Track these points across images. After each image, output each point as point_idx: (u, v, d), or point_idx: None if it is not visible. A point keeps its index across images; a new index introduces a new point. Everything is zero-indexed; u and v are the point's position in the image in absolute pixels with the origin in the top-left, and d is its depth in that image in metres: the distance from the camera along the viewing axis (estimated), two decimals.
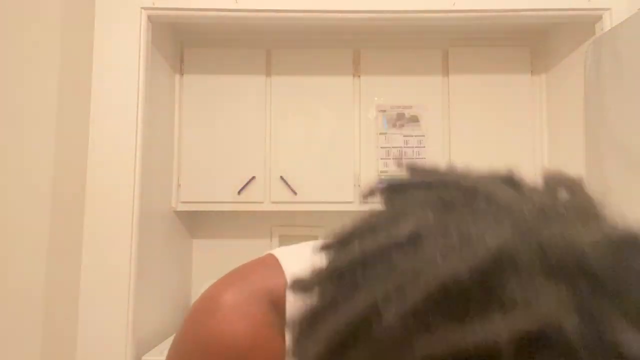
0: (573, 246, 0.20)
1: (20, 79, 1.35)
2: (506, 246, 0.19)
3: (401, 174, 0.27)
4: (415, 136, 1.92)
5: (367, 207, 0.25)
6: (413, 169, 0.27)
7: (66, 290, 1.40)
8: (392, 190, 0.26)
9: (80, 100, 1.48)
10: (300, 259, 0.36)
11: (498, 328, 0.17)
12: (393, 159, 1.90)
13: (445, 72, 1.95)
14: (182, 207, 1.88)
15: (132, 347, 1.43)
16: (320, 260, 0.24)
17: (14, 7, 1.38)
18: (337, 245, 0.24)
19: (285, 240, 2.07)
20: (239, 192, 1.85)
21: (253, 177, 1.86)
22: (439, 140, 1.91)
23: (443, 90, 1.94)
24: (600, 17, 1.55)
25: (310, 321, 0.22)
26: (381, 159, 1.90)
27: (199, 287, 1.98)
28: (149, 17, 1.54)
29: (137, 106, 1.50)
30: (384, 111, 1.93)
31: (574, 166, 1.70)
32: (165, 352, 0.43)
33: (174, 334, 0.41)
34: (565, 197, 0.25)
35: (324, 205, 1.86)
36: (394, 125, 1.92)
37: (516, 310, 0.18)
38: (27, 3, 1.39)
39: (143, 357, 1.49)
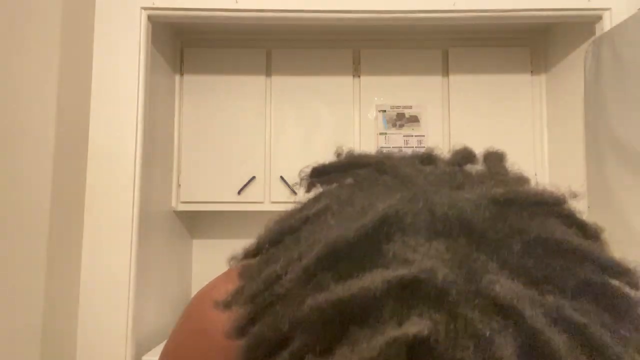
0: (456, 206, 0.21)
1: (20, 79, 1.35)
2: (392, 209, 0.21)
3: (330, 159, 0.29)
4: (415, 136, 1.92)
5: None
6: (339, 154, 0.30)
7: (66, 290, 1.40)
8: (315, 174, 0.29)
9: (80, 100, 1.48)
10: None
11: (375, 279, 0.18)
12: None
13: (445, 72, 1.95)
14: (182, 207, 1.88)
15: (132, 347, 1.43)
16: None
17: (14, 7, 1.38)
18: (269, 227, 0.26)
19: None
20: (239, 192, 1.85)
21: (253, 177, 1.86)
22: (439, 140, 1.91)
23: (443, 90, 1.94)
24: (600, 17, 1.55)
25: (234, 296, 0.24)
26: None
27: (199, 287, 1.97)
28: (149, 17, 1.54)
29: (137, 106, 1.50)
30: (384, 111, 1.93)
31: (574, 166, 1.70)
32: None
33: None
34: (475, 168, 0.27)
35: None
36: (394, 125, 1.92)
37: (394, 263, 0.19)
38: (27, 3, 1.39)
39: (143, 357, 1.49)
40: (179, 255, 1.97)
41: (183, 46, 1.96)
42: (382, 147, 1.90)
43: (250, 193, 1.86)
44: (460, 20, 1.58)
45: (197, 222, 2.09)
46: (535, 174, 1.91)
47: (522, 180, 0.27)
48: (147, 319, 1.58)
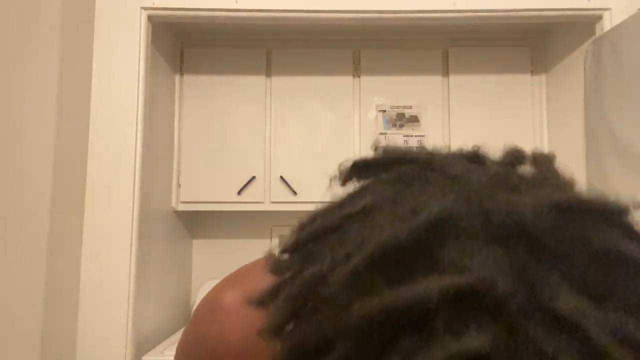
0: (515, 211, 0.20)
1: (20, 79, 1.35)
2: (447, 212, 0.20)
3: (370, 154, 0.27)
4: (415, 136, 1.92)
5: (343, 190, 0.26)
6: (379, 149, 0.28)
7: (66, 290, 1.40)
8: (356, 169, 0.27)
9: (80, 100, 1.48)
10: None
11: (430, 287, 0.18)
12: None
13: (445, 72, 1.95)
14: (182, 207, 1.88)
15: (132, 347, 1.43)
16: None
17: (14, 7, 1.38)
18: (304, 223, 0.25)
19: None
20: (239, 192, 1.85)
21: (253, 177, 1.86)
22: (439, 140, 1.91)
23: (443, 90, 1.94)
24: (600, 17, 1.55)
25: (270, 294, 0.22)
26: None
27: (199, 287, 1.97)
28: (149, 17, 1.54)
29: (137, 106, 1.50)
30: (384, 111, 1.93)
31: (574, 166, 1.70)
32: (166, 352, 0.44)
33: (179, 334, 0.42)
34: (526, 170, 0.25)
35: None
36: (394, 125, 1.92)
37: (450, 270, 0.18)
38: (27, 3, 1.39)
39: (143, 357, 1.49)
40: (179, 255, 1.97)
41: (183, 46, 1.96)
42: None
43: (250, 193, 1.86)
44: (460, 20, 1.58)
45: (197, 222, 2.09)
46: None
47: (574, 184, 0.25)
48: (147, 319, 1.58)
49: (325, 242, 0.22)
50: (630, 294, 0.19)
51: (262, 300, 0.22)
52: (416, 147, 0.27)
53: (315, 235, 0.23)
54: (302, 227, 0.24)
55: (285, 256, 0.24)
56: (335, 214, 0.23)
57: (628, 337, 0.17)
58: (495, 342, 0.17)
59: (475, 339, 0.16)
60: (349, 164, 0.27)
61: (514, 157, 0.27)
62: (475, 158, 0.27)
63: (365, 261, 0.19)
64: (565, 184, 0.25)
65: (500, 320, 0.17)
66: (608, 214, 0.21)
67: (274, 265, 0.24)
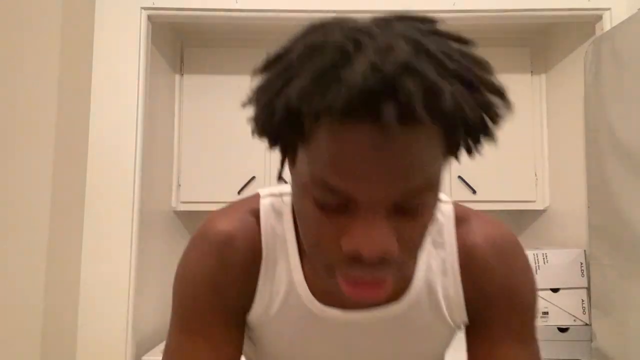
0: (358, 22, 0.39)
1: (20, 78, 1.35)
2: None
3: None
4: None
5: None
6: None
7: (66, 290, 1.40)
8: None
9: (80, 100, 1.48)
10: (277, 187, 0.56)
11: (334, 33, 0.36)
12: None
13: None
14: (182, 207, 1.88)
15: (132, 347, 1.43)
16: None
17: (14, 7, 1.38)
18: (269, 58, 0.41)
19: None
20: (239, 192, 1.85)
21: (253, 177, 1.86)
22: None
23: None
24: (600, 17, 1.55)
25: (258, 90, 0.39)
26: None
27: None
28: (149, 17, 1.54)
29: (137, 106, 1.50)
30: None
31: (574, 166, 1.70)
32: None
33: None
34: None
35: None
36: None
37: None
38: (27, 3, 1.39)
39: (143, 357, 1.49)
40: (179, 255, 1.96)
41: (183, 46, 1.96)
42: None
43: (250, 193, 1.86)
44: (460, 20, 1.57)
45: (197, 222, 2.09)
46: (535, 174, 1.91)
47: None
48: (147, 319, 1.58)
49: (275, 65, 0.39)
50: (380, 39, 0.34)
51: (250, 99, 0.40)
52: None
53: (272, 60, 0.40)
54: (267, 59, 0.40)
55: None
56: (282, 52, 0.39)
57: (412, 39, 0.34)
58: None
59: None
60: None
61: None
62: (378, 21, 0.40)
63: (294, 59, 0.36)
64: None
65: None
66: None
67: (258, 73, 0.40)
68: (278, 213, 0.53)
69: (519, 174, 1.89)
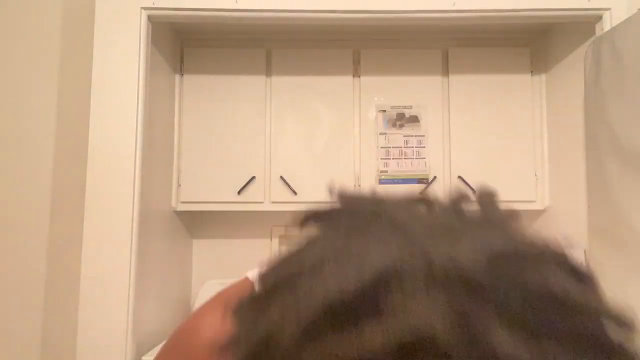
0: (455, 259, 0.21)
1: (20, 78, 1.35)
2: (390, 262, 0.21)
3: (328, 200, 0.29)
4: (415, 136, 1.92)
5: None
6: (334, 196, 0.29)
7: (66, 290, 1.40)
8: (311, 218, 0.28)
9: (80, 100, 1.48)
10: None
11: (373, 336, 0.18)
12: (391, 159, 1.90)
13: (445, 72, 1.95)
14: (182, 207, 1.88)
15: (132, 347, 1.43)
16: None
17: (14, 7, 1.38)
18: (265, 273, 0.25)
19: (286, 240, 2.07)
20: (239, 192, 1.85)
21: (253, 177, 1.86)
22: (439, 140, 1.92)
23: (443, 90, 1.94)
24: (600, 17, 1.55)
25: (231, 345, 0.23)
26: (381, 158, 1.90)
27: (199, 287, 1.97)
28: (149, 17, 1.54)
29: (137, 106, 1.50)
30: (384, 111, 1.93)
31: (574, 166, 1.70)
32: None
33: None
34: (470, 211, 0.27)
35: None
36: (394, 125, 1.92)
37: (392, 318, 0.19)
38: (27, 3, 1.39)
39: (143, 358, 1.49)
40: (179, 255, 1.97)
41: (183, 46, 1.96)
42: (382, 147, 1.90)
43: (250, 193, 1.86)
44: (460, 20, 1.57)
45: (197, 222, 2.09)
46: (535, 174, 1.91)
47: (514, 217, 0.27)
48: (147, 319, 1.58)
49: (277, 296, 0.23)
50: (563, 329, 0.20)
51: (224, 349, 0.24)
52: (369, 192, 0.29)
53: (268, 290, 0.24)
54: (262, 278, 0.25)
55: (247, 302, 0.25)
56: (288, 268, 0.24)
57: None
58: None
59: None
60: (302, 215, 0.28)
61: (457, 199, 0.28)
62: (423, 203, 0.28)
63: (312, 314, 0.20)
64: (507, 219, 0.27)
65: None
66: (541, 256, 0.23)
67: (234, 307, 0.25)
68: None
69: (518, 173, 1.90)
